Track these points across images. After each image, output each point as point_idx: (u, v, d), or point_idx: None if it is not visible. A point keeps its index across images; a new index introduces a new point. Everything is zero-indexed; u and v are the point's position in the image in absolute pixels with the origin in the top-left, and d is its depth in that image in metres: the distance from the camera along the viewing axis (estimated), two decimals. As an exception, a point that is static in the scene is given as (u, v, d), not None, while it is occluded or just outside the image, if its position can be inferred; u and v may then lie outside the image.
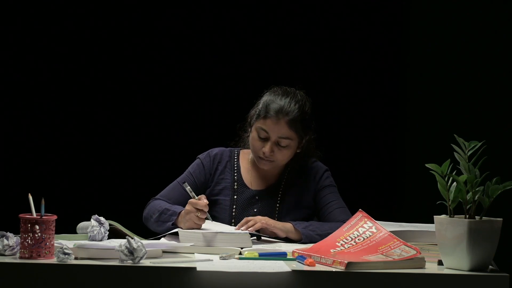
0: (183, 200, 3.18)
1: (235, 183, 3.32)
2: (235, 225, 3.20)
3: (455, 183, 2.52)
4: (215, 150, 3.39)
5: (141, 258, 2.46)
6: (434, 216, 2.55)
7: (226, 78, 4.83)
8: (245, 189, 3.31)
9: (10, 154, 4.78)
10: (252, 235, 2.98)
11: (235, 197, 3.30)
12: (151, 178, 4.79)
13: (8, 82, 4.77)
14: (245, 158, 3.38)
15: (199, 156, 3.39)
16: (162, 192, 3.30)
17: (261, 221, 3.02)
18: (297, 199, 3.28)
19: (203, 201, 3.01)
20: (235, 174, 3.34)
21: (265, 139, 3.21)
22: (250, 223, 3.01)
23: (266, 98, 3.25)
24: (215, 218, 3.26)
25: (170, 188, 3.31)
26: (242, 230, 2.97)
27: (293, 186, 3.30)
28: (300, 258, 2.57)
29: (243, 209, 3.27)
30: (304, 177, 3.31)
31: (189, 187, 3.10)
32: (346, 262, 2.46)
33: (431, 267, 2.56)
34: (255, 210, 3.26)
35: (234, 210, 3.27)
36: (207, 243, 2.79)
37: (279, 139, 3.20)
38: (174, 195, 3.28)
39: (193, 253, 2.71)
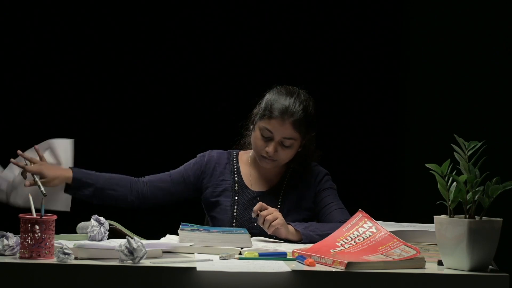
0: (164, 187, 3.29)
1: (236, 184, 3.32)
2: (236, 226, 3.21)
3: (455, 183, 2.51)
4: (213, 152, 3.38)
5: (141, 258, 2.46)
6: (434, 216, 2.55)
7: (227, 77, 4.83)
8: (246, 190, 3.31)
9: (10, 154, 4.78)
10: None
11: (236, 198, 3.30)
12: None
13: (8, 82, 4.78)
14: (244, 159, 3.38)
15: (199, 154, 3.40)
16: (151, 176, 3.36)
17: (279, 218, 3.02)
18: (298, 201, 3.29)
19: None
20: (235, 175, 3.34)
21: (268, 139, 3.21)
22: (269, 217, 3.01)
23: (269, 97, 3.25)
24: (216, 220, 3.27)
25: (159, 174, 3.36)
26: (261, 215, 3.01)
27: (294, 188, 3.30)
28: (300, 258, 2.57)
29: (244, 209, 3.27)
30: (305, 180, 3.31)
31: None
32: (346, 262, 2.46)
33: (431, 267, 2.55)
34: (256, 211, 3.27)
35: (235, 210, 3.27)
36: (207, 243, 2.79)
37: (283, 140, 3.20)
38: (157, 179, 3.33)
39: (193, 253, 2.71)
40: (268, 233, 3.04)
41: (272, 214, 3.02)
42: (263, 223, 3.03)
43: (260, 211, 3.04)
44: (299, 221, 3.18)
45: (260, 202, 3.07)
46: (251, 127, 3.29)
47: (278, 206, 3.27)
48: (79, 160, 4.80)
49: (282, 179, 3.33)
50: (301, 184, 3.31)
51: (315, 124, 3.28)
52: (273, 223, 3.01)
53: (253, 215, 3.05)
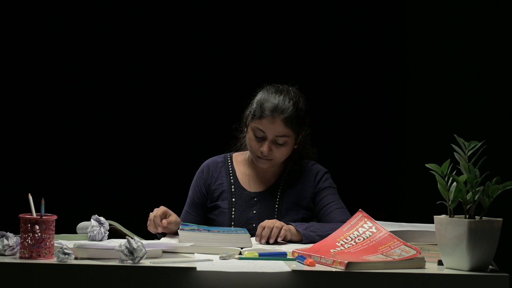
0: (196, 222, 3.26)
1: (232, 186, 3.32)
2: (235, 227, 3.20)
3: (455, 183, 2.51)
4: (208, 161, 3.38)
5: (141, 258, 2.46)
6: (434, 216, 2.55)
7: (228, 77, 4.83)
8: (243, 192, 3.31)
9: (10, 154, 4.78)
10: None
11: (234, 199, 3.30)
12: (151, 178, 4.79)
13: (8, 82, 4.78)
14: (238, 161, 3.37)
15: (197, 171, 3.40)
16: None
17: (284, 224, 2.99)
18: (296, 200, 3.28)
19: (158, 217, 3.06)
20: (231, 177, 3.33)
21: (262, 139, 3.21)
22: (278, 225, 2.97)
23: (259, 97, 3.25)
24: (214, 222, 3.27)
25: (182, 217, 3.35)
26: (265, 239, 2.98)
27: (291, 187, 3.30)
28: (300, 258, 2.57)
29: (242, 211, 3.26)
30: (303, 178, 3.31)
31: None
32: (346, 262, 2.46)
33: (431, 267, 2.56)
34: (254, 211, 3.26)
35: (233, 212, 3.27)
36: (207, 243, 2.79)
37: (276, 138, 3.20)
38: (184, 220, 3.32)
39: (193, 253, 2.71)
40: (279, 240, 3.01)
41: (277, 223, 3.00)
42: (272, 233, 2.98)
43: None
44: (297, 220, 3.18)
45: (263, 225, 3.00)
46: (244, 129, 3.29)
47: (276, 206, 3.26)
48: (79, 160, 4.82)
49: (280, 178, 3.32)
50: (299, 183, 3.30)
51: (307, 119, 3.28)
52: (284, 228, 2.98)
53: (262, 242, 2.99)
